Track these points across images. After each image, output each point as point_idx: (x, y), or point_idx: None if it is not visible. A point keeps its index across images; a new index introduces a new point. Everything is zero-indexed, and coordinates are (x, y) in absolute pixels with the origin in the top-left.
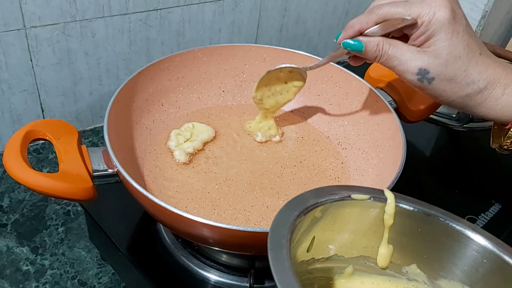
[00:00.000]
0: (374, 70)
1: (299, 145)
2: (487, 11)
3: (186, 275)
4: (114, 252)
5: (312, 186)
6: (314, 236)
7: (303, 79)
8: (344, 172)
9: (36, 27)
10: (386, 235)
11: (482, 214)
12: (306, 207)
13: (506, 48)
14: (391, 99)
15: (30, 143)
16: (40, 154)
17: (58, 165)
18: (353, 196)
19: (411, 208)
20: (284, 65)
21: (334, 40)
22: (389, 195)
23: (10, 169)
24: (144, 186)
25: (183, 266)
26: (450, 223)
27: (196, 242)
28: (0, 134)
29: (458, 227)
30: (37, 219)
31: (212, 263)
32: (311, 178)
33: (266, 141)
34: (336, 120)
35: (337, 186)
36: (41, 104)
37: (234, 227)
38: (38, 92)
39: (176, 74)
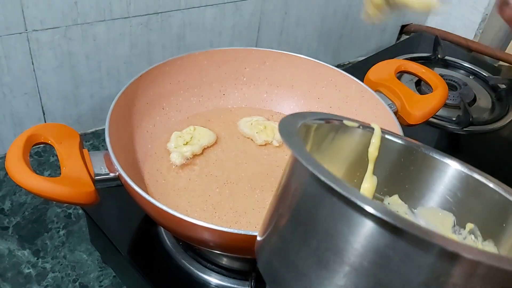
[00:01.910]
0: (374, 73)
1: None
2: (487, 14)
3: (187, 279)
4: (115, 255)
5: None
6: None
7: None
8: None
9: (37, 30)
10: (370, 167)
11: None
12: (304, 119)
13: (506, 51)
14: (390, 102)
15: (32, 147)
16: (42, 157)
17: (59, 168)
18: (345, 122)
19: (396, 141)
20: None
21: None
22: (376, 127)
23: (12, 174)
24: (145, 190)
25: (184, 269)
26: (430, 153)
27: (197, 245)
28: (2, 137)
29: (437, 156)
30: (38, 222)
31: (213, 266)
32: None
33: (266, 144)
34: None
35: (331, 114)
36: (42, 107)
37: (235, 231)
38: (40, 95)
39: (177, 78)
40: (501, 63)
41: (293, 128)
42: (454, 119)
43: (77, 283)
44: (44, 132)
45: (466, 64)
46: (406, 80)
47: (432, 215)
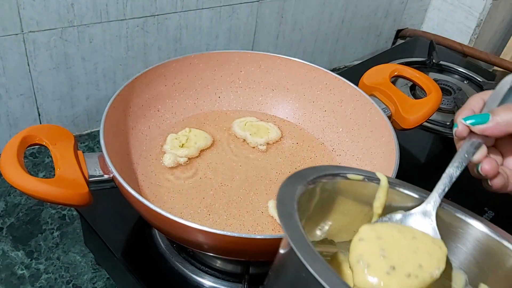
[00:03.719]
0: (368, 77)
1: (294, 151)
2: (482, 20)
3: (180, 281)
4: (109, 257)
5: None
6: (309, 216)
7: None
8: None
9: (34, 32)
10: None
11: None
12: (306, 182)
13: (501, 57)
14: (384, 106)
15: (26, 148)
16: (36, 158)
17: (54, 169)
18: (349, 176)
19: (409, 193)
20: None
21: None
22: (382, 179)
23: (7, 175)
24: (139, 192)
25: (178, 271)
26: (453, 211)
27: (190, 247)
28: None
29: (460, 215)
30: (32, 223)
31: (206, 269)
32: None
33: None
34: (330, 127)
35: (334, 165)
36: (37, 108)
37: (228, 233)
38: (35, 97)
39: (172, 80)
40: (495, 68)
41: (293, 200)
42: (448, 123)
43: (70, 285)
44: (39, 133)
45: (461, 69)
46: (401, 84)
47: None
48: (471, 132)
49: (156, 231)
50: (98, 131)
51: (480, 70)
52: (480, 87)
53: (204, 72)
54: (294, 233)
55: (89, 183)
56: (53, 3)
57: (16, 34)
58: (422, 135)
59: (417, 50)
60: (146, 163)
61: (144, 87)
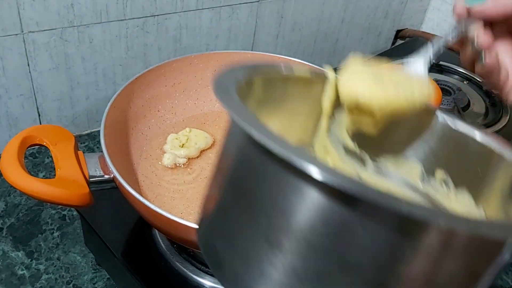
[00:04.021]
0: None
1: None
2: None
3: (181, 281)
4: (109, 257)
5: None
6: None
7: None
8: None
9: (33, 32)
10: (324, 122)
11: None
12: (247, 69)
13: None
14: None
15: (27, 148)
16: (36, 159)
17: (54, 169)
18: (296, 72)
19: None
20: None
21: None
22: (330, 74)
23: (7, 175)
24: (140, 192)
25: (178, 271)
26: None
27: (191, 248)
28: None
29: None
30: (32, 223)
31: (207, 269)
32: None
33: None
34: None
35: (279, 62)
36: (37, 108)
37: None
38: (35, 97)
39: (173, 80)
40: None
41: (232, 84)
42: None
43: (70, 285)
44: (39, 134)
45: (461, 69)
46: None
47: (397, 165)
48: (469, 17)
49: (156, 231)
50: (98, 131)
51: None
52: (479, 87)
53: (204, 72)
54: (230, 101)
55: (89, 183)
56: (53, 3)
57: (16, 34)
58: None
59: (416, 50)
60: (146, 163)
61: (144, 88)
